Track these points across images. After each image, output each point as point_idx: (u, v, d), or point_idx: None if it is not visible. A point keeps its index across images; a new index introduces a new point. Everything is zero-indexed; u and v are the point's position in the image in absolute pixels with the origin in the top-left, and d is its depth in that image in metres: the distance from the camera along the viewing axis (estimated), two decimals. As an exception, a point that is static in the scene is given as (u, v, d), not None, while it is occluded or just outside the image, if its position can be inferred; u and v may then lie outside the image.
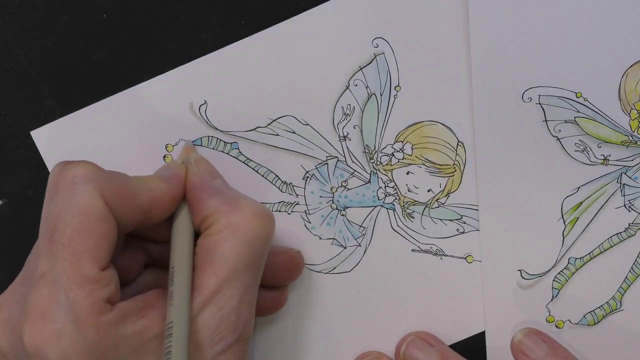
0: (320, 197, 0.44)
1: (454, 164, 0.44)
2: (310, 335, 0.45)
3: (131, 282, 0.39)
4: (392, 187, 0.44)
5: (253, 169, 0.44)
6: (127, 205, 0.35)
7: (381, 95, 0.43)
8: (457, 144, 0.44)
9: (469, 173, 0.44)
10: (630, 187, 0.44)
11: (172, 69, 0.43)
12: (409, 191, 0.44)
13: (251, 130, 0.43)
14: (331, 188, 0.44)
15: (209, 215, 0.37)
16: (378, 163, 0.44)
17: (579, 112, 0.43)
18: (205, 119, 0.43)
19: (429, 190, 0.44)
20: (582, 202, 0.44)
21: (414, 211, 0.44)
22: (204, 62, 0.43)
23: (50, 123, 0.43)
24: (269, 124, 0.43)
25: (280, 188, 0.44)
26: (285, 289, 0.43)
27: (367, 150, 0.44)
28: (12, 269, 0.44)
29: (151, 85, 0.43)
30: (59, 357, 0.32)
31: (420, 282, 0.44)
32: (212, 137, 0.43)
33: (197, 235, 0.38)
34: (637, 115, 0.43)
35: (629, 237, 0.44)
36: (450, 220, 0.44)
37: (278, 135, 0.43)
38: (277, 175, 0.44)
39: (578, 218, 0.44)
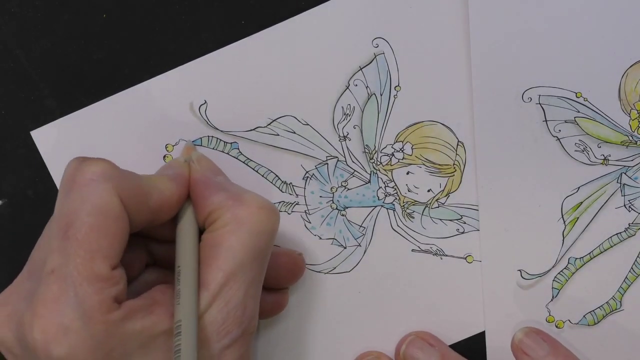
0: (320, 197, 0.44)
1: (454, 164, 0.44)
2: (310, 335, 0.45)
3: (133, 280, 0.39)
4: (392, 187, 0.44)
5: (253, 169, 0.44)
6: (141, 205, 0.35)
7: (381, 95, 0.43)
8: (457, 144, 0.44)
9: (469, 173, 0.44)
10: (630, 187, 0.44)
11: (172, 69, 0.43)
12: (409, 191, 0.44)
13: (251, 130, 0.43)
14: (331, 188, 0.44)
15: (213, 210, 0.37)
16: (378, 163, 0.44)
17: (579, 112, 0.43)
18: (205, 119, 0.43)
19: (429, 190, 0.44)
20: (582, 202, 0.44)
21: (414, 211, 0.44)
22: (204, 62, 0.43)
23: (50, 123, 0.43)
24: (269, 124, 0.43)
25: (280, 188, 0.44)
26: (286, 291, 0.43)
27: (367, 150, 0.44)
28: (12, 269, 0.44)
29: (151, 85, 0.43)
30: (65, 353, 0.32)
31: (420, 282, 0.44)
32: (212, 137, 0.43)
33: (200, 232, 0.38)
34: (637, 115, 0.43)
35: (629, 237, 0.44)
36: (450, 220, 0.44)
37: (278, 135, 0.43)
38: (277, 175, 0.44)
39: (578, 218, 0.44)
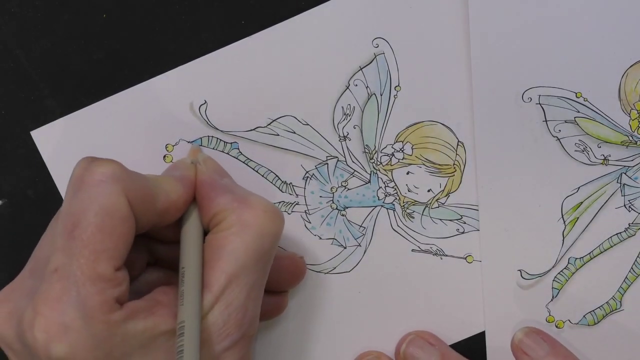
0: (320, 197, 0.44)
1: (454, 164, 0.44)
2: (310, 335, 0.45)
3: (133, 279, 0.39)
4: (392, 187, 0.44)
5: (253, 169, 0.44)
6: (148, 207, 0.35)
7: (381, 95, 0.43)
8: (457, 144, 0.44)
9: (469, 173, 0.44)
10: (630, 187, 0.44)
11: (172, 69, 0.43)
12: (409, 191, 0.44)
13: (251, 130, 0.43)
14: (331, 188, 0.44)
15: (218, 212, 0.37)
16: (378, 163, 0.44)
17: (579, 112, 0.43)
18: (205, 119, 0.43)
19: (429, 190, 0.44)
20: (582, 202, 0.44)
21: (414, 211, 0.44)
22: (204, 62, 0.43)
23: (50, 123, 0.43)
24: (269, 124, 0.43)
25: (280, 188, 0.44)
26: (286, 294, 0.43)
27: (367, 150, 0.44)
28: (12, 269, 0.44)
29: (151, 85, 0.43)
30: (65, 352, 0.32)
31: (420, 282, 0.44)
32: (212, 137, 0.43)
33: (204, 233, 0.38)
34: (637, 115, 0.43)
35: (629, 237, 0.44)
36: (450, 220, 0.44)
37: (278, 135, 0.43)
38: (277, 175, 0.44)
39: (578, 218, 0.44)
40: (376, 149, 0.44)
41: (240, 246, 0.35)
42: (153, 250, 0.40)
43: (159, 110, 0.43)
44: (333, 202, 0.44)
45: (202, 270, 0.36)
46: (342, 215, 0.44)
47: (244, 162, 0.43)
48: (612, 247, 0.44)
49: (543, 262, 0.44)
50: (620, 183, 0.44)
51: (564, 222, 0.44)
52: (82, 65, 0.43)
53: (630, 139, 0.43)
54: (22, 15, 0.43)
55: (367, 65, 0.43)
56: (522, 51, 0.43)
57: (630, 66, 0.43)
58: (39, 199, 0.44)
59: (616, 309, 0.44)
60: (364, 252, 0.44)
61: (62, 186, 0.43)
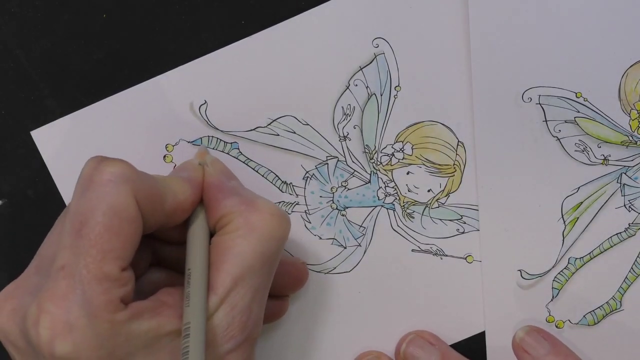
0: (321, 197, 0.44)
1: (454, 164, 0.44)
2: (310, 335, 0.45)
3: (136, 279, 0.39)
4: (392, 187, 0.44)
5: (253, 169, 0.44)
6: (156, 208, 0.35)
7: (381, 95, 0.43)
8: (457, 144, 0.44)
9: (469, 173, 0.44)
10: (630, 187, 0.44)
11: (172, 69, 0.43)
12: (409, 191, 0.44)
13: (251, 130, 0.43)
14: (331, 188, 0.44)
15: (225, 214, 0.37)
16: (378, 163, 0.44)
17: (579, 112, 0.43)
18: (205, 119, 0.43)
19: (429, 190, 0.44)
20: (582, 202, 0.44)
21: (414, 211, 0.44)
22: (204, 62, 0.43)
23: (50, 123, 0.43)
24: (269, 124, 0.43)
25: (280, 188, 0.44)
26: (287, 298, 0.43)
27: (367, 150, 0.44)
28: (12, 269, 0.44)
29: (151, 85, 0.43)
30: (69, 350, 0.32)
31: (420, 282, 0.44)
32: (212, 137, 0.43)
33: (211, 235, 0.38)
34: (637, 115, 0.43)
35: (629, 237, 0.44)
36: (450, 220, 0.44)
37: (278, 135, 0.43)
38: (277, 175, 0.44)
39: (578, 218, 0.44)
40: (376, 149, 0.44)
41: (247, 249, 0.35)
42: (156, 250, 0.40)
43: (159, 110, 0.43)
44: (333, 202, 0.44)
45: (208, 272, 0.36)
46: (342, 215, 0.44)
47: (244, 162, 0.43)
48: (612, 247, 0.44)
49: (543, 262, 0.44)
50: (620, 183, 0.44)
51: (564, 222, 0.44)
52: (82, 65, 0.43)
53: (630, 139, 0.43)
54: (22, 15, 0.43)
55: (367, 65, 0.43)
56: (522, 51, 0.43)
57: (630, 66, 0.43)
58: (39, 199, 0.44)
59: (616, 309, 0.44)
60: (364, 252, 0.44)
61: (62, 186, 0.43)
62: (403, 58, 0.43)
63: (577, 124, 0.43)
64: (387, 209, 0.44)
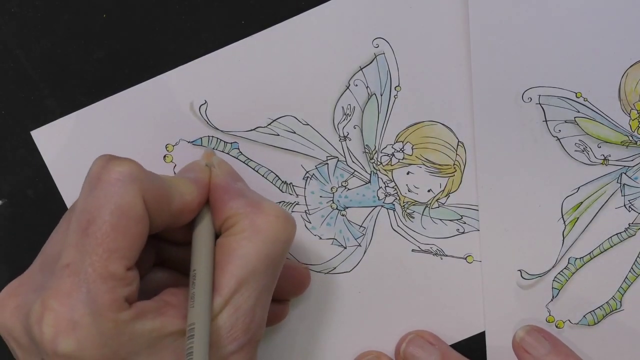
0: (321, 197, 0.44)
1: (454, 164, 0.44)
2: (310, 335, 0.45)
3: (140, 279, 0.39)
4: (392, 187, 0.44)
5: (253, 169, 0.44)
6: (163, 209, 0.35)
7: (381, 95, 0.43)
8: (457, 144, 0.44)
9: (469, 173, 0.44)
10: (630, 187, 0.44)
11: (172, 69, 0.43)
12: (409, 191, 0.44)
13: (251, 130, 0.43)
14: (331, 188, 0.44)
15: (231, 216, 0.37)
16: (378, 163, 0.44)
17: (579, 112, 0.43)
18: (206, 119, 0.43)
19: (429, 191, 0.44)
20: (582, 202, 0.44)
21: (414, 211, 0.44)
22: (204, 62, 0.43)
23: (50, 123, 0.43)
24: (269, 124, 0.43)
25: (281, 188, 0.44)
26: (287, 303, 0.43)
27: (367, 150, 0.44)
28: (12, 269, 0.44)
29: (151, 85, 0.43)
30: (72, 348, 0.32)
31: (420, 282, 0.44)
32: (212, 137, 0.43)
33: (216, 237, 0.38)
34: (637, 115, 0.43)
35: (629, 237, 0.44)
36: (451, 220, 0.44)
37: (278, 135, 0.43)
38: (277, 175, 0.44)
39: (578, 218, 0.44)
40: (376, 149, 0.44)
41: (252, 251, 0.36)
42: (160, 250, 0.40)
43: (159, 110, 0.43)
44: (333, 202, 0.44)
45: (213, 273, 0.36)
46: (342, 215, 0.44)
47: (244, 162, 0.43)
48: (612, 247, 0.44)
49: (543, 262, 0.44)
50: (620, 183, 0.44)
51: (564, 222, 0.44)
52: (82, 65, 0.43)
53: (630, 139, 0.43)
54: (22, 15, 0.43)
55: (367, 65, 0.43)
56: (522, 51, 0.43)
57: (630, 66, 0.43)
58: (39, 199, 0.44)
59: (616, 309, 0.44)
60: (364, 252, 0.44)
61: (62, 186, 0.43)
62: (403, 58, 0.43)
63: (577, 124, 0.43)
64: (387, 209, 0.44)
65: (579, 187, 0.44)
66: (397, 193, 0.44)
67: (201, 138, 0.43)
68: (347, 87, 0.43)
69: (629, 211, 0.44)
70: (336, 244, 0.44)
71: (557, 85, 0.43)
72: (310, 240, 0.44)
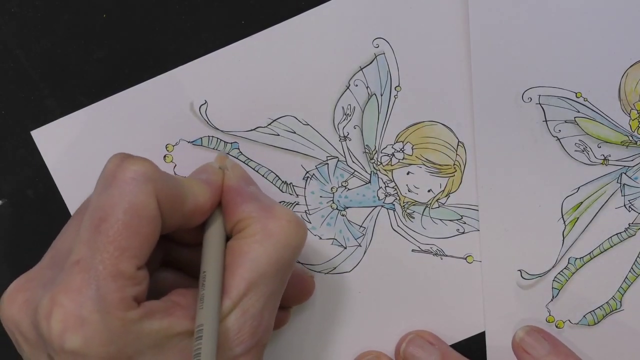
0: (321, 197, 0.44)
1: (454, 164, 0.44)
2: (310, 335, 0.45)
3: None
4: (393, 187, 0.44)
5: (253, 169, 0.44)
6: (176, 210, 0.35)
7: (381, 95, 0.43)
8: (457, 144, 0.44)
9: (469, 173, 0.44)
10: (630, 187, 0.44)
11: (172, 69, 0.43)
12: (409, 191, 0.44)
13: (251, 130, 0.43)
14: (331, 188, 0.44)
15: (242, 219, 0.37)
16: (378, 163, 0.44)
17: (579, 112, 0.43)
18: (206, 119, 0.43)
19: (429, 191, 0.44)
20: (582, 202, 0.44)
21: (414, 211, 0.44)
22: (204, 62, 0.43)
23: (50, 123, 0.43)
24: (270, 124, 0.43)
25: (281, 188, 0.44)
26: (289, 310, 0.43)
27: (367, 151, 0.44)
28: (12, 269, 0.44)
29: (151, 85, 0.43)
30: (79, 344, 0.32)
31: (420, 282, 0.44)
32: (212, 137, 0.43)
33: (227, 239, 0.38)
34: (637, 115, 0.43)
35: (629, 237, 0.44)
36: (451, 220, 0.44)
37: (278, 135, 0.43)
38: (277, 175, 0.44)
39: (578, 218, 0.44)
40: (376, 149, 0.44)
41: (262, 255, 0.36)
42: (168, 250, 0.40)
43: (159, 110, 0.43)
44: (333, 202, 0.44)
45: (223, 276, 0.36)
46: (342, 215, 0.44)
47: (244, 162, 0.43)
48: (612, 247, 0.44)
49: (543, 262, 0.44)
50: (620, 183, 0.44)
51: (564, 222, 0.44)
52: (82, 65, 0.43)
53: (630, 139, 0.43)
54: (22, 15, 0.43)
55: (367, 65, 0.43)
56: (522, 51, 0.43)
57: (630, 66, 0.43)
58: (39, 199, 0.44)
59: (616, 309, 0.44)
60: (364, 252, 0.44)
61: (62, 186, 0.43)
62: (403, 58, 0.43)
63: (577, 124, 0.43)
64: (387, 209, 0.44)
65: (579, 187, 0.44)
66: (397, 193, 0.44)
67: (201, 138, 0.43)
68: (347, 87, 0.43)
69: (629, 211, 0.44)
70: (336, 244, 0.44)
71: (557, 85, 0.43)
72: (310, 240, 0.44)
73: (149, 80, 0.43)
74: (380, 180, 0.44)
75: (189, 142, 0.43)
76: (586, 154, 0.44)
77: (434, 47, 0.43)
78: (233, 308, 0.35)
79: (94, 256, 0.33)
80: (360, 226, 0.44)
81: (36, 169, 0.43)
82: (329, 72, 0.43)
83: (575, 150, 0.44)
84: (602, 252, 0.44)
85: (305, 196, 0.44)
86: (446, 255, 0.44)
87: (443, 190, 0.44)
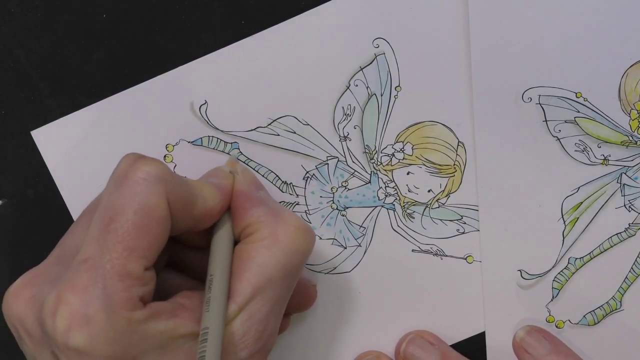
0: (321, 197, 0.44)
1: (454, 164, 0.44)
2: (310, 335, 0.45)
3: None
4: (393, 188, 0.44)
5: (253, 169, 0.43)
6: (186, 212, 0.35)
7: (382, 95, 0.43)
8: (458, 144, 0.44)
9: (469, 173, 0.44)
10: (630, 187, 0.44)
11: (172, 69, 0.43)
12: (409, 191, 0.44)
13: (251, 130, 0.43)
14: (331, 188, 0.44)
15: (251, 223, 0.37)
16: (378, 163, 0.44)
17: (579, 112, 0.43)
18: (206, 119, 0.43)
19: (429, 191, 0.44)
20: (582, 202, 0.44)
21: (414, 211, 0.44)
22: (204, 62, 0.43)
23: (50, 123, 0.43)
24: (270, 124, 0.43)
25: (281, 188, 0.44)
26: (289, 317, 0.43)
27: (367, 151, 0.44)
28: (12, 269, 0.44)
29: (151, 85, 0.43)
30: (84, 342, 0.32)
31: (420, 282, 0.44)
32: (213, 137, 0.43)
33: (235, 243, 0.38)
34: (637, 115, 0.43)
35: (629, 237, 0.44)
36: (451, 220, 0.44)
37: (278, 135, 0.43)
38: (277, 175, 0.44)
39: (578, 218, 0.44)
40: (376, 149, 0.44)
41: (270, 260, 0.36)
42: (174, 252, 0.40)
43: (159, 110, 0.43)
44: (333, 202, 0.44)
45: (229, 280, 0.36)
46: (343, 215, 0.44)
47: (244, 162, 0.43)
48: (612, 247, 0.44)
49: (543, 262, 0.44)
50: (620, 183, 0.44)
51: (564, 222, 0.44)
52: (82, 65, 0.43)
53: (630, 139, 0.43)
54: (22, 15, 0.43)
55: (367, 65, 0.43)
56: (522, 51, 0.43)
57: (630, 66, 0.43)
58: (39, 199, 0.44)
59: (616, 309, 0.44)
60: (364, 253, 0.44)
61: (62, 186, 0.43)
62: (403, 58, 0.43)
63: (577, 124, 0.43)
64: (387, 209, 0.44)
65: (579, 187, 0.44)
66: (397, 193, 0.44)
67: (201, 138, 0.43)
68: (348, 87, 0.43)
69: (629, 211, 0.44)
70: (336, 244, 0.44)
71: (557, 85, 0.43)
72: (311, 240, 0.44)
73: (149, 80, 0.43)
74: (380, 180, 0.44)
75: (189, 142, 0.43)
76: (586, 154, 0.44)
77: (434, 47, 0.43)
78: (239, 312, 0.35)
79: (102, 255, 0.33)
80: (361, 226, 0.44)
81: (36, 169, 0.43)
82: (329, 72, 0.43)
83: (575, 150, 0.44)
84: (602, 252, 0.44)
85: (305, 196, 0.44)
86: (446, 256, 0.44)
87: (443, 191, 0.44)
